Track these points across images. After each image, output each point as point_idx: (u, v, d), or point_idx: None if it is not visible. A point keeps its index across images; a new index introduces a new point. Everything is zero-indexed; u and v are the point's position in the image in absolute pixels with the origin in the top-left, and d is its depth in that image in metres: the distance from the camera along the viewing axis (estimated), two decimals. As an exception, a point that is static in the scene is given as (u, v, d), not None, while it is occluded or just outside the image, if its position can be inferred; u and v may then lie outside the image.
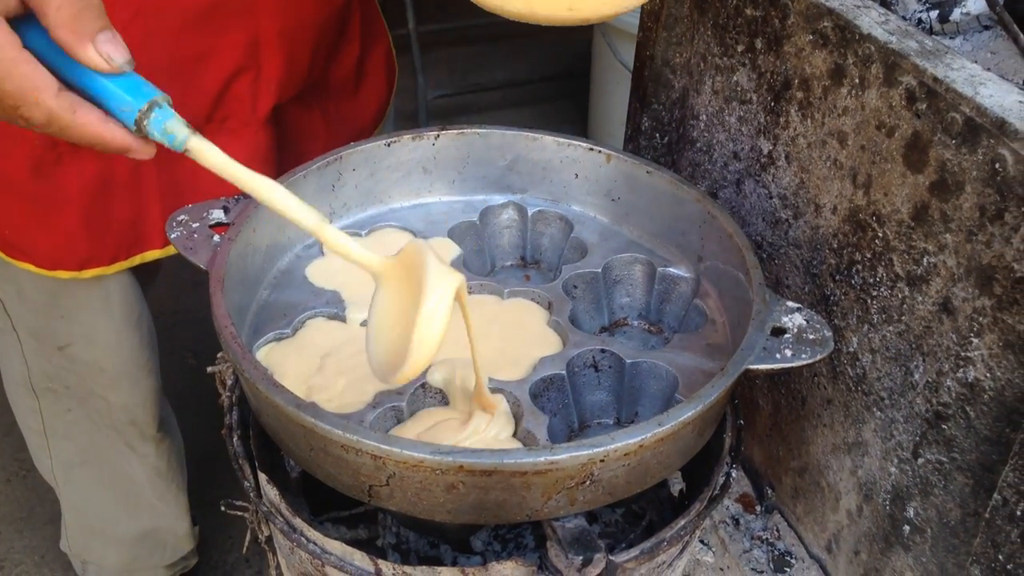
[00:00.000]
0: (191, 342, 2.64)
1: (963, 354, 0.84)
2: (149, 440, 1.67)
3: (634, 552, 0.86)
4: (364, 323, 0.98)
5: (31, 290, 1.41)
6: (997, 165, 0.77)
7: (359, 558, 0.85)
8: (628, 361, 0.96)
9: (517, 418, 0.90)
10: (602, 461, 0.77)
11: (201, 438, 2.24)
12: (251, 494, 0.93)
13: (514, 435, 0.88)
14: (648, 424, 0.78)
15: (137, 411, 1.61)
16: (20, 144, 1.21)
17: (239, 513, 1.05)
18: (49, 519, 2.19)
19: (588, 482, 0.78)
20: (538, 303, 1.03)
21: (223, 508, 1.07)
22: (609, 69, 2.87)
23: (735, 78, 1.10)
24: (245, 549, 1.07)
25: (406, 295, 0.79)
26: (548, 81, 3.66)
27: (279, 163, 1.39)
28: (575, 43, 3.54)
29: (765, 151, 1.07)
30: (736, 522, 1.18)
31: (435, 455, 0.74)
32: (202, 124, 1.29)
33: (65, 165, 1.25)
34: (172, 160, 1.31)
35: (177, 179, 1.33)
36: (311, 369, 0.93)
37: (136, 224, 1.34)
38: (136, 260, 1.38)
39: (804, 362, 0.86)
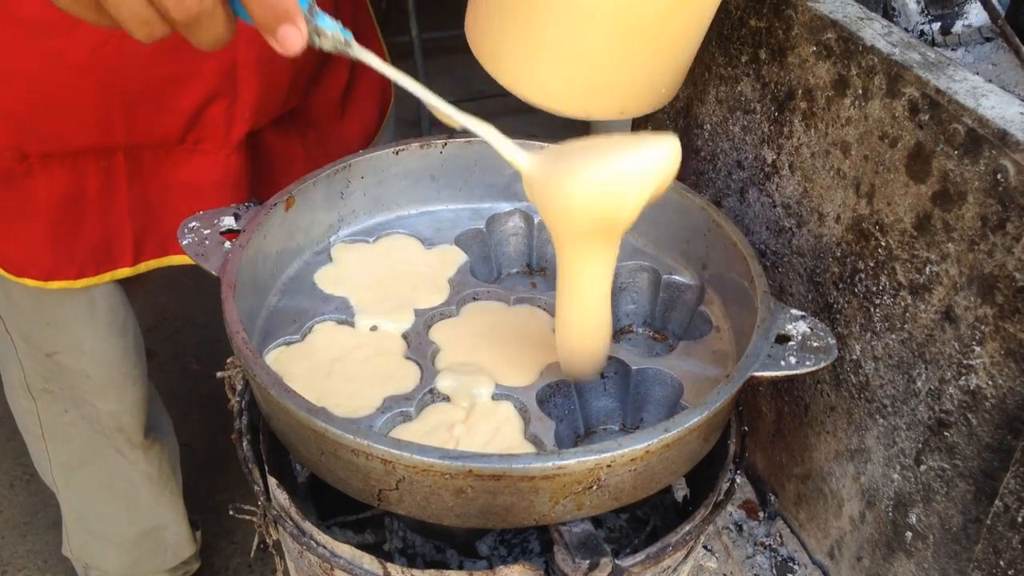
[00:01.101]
0: (194, 348, 2.65)
1: (965, 362, 0.85)
2: (137, 447, 1.67)
3: (640, 556, 0.87)
4: (372, 328, 1.00)
5: (18, 296, 1.42)
6: (999, 176, 0.78)
7: (368, 562, 0.86)
8: (634, 368, 0.97)
9: (524, 423, 0.91)
10: (609, 466, 0.78)
11: (204, 443, 2.25)
12: (260, 498, 0.94)
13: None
14: (654, 430, 0.79)
15: (124, 418, 1.61)
16: None
17: (247, 517, 1.06)
18: (52, 524, 2.20)
19: (595, 487, 0.79)
20: (545, 310, 1.04)
21: (231, 512, 1.07)
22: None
23: (739, 88, 1.11)
24: (252, 553, 1.08)
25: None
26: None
27: (253, 188, 1.39)
28: (577, 51, 3.54)
29: (769, 160, 1.08)
30: (739, 528, 1.18)
31: (445, 459, 0.75)
32: (174, 145, 1.30)
33: (35, 177, 1.26)
34: (143, 177, 1.31)
35: (148, 197, 1.34)
36: (320, 374, 0.94)
37: (106, 241, 1.35)
38: (106, 277, 1.38)
39: (808, 369, 0.87)
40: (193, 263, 1.40)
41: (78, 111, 1.22)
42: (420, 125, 3.53)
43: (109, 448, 1.66)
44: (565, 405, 0.95)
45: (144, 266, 1.40)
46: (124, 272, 1.39)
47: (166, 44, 1.18)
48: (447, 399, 0.93)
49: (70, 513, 1.82)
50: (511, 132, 1.16)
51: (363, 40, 1.50)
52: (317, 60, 1.40)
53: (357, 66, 1.48)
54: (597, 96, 0.98)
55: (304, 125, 1.45)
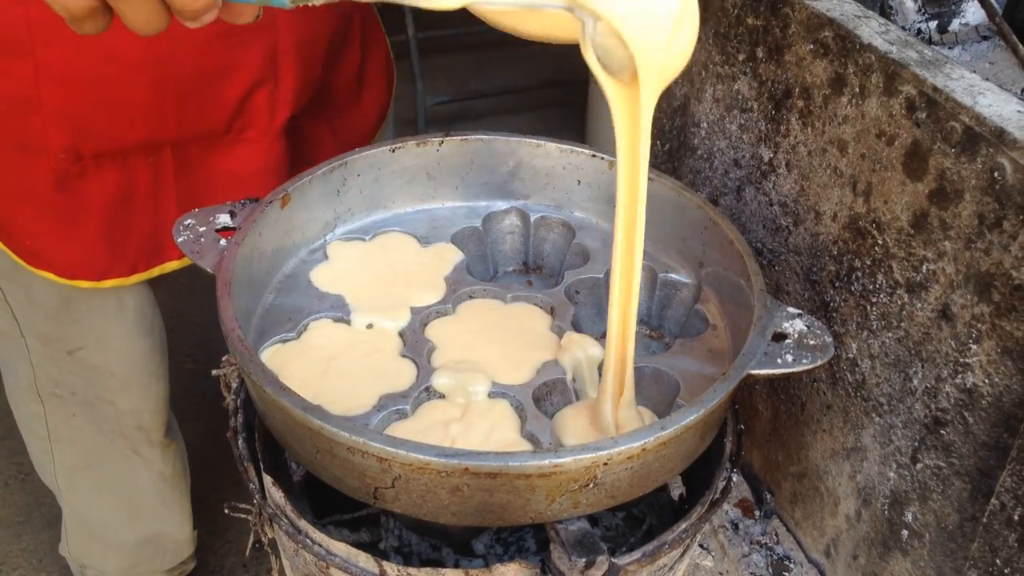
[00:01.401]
0: (189, 347, 2.64)
1: (962, 360, 0.85)
2: (156, 445, 1.67)
3: (636, 555, 0.87)
4: (368, 326, 1.00)
5: (43, 295, 1.41)
6: (996, 174, 0.78)
7: (364, 560, 0.86)
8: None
9: (521, 421, 0.90)
10: (606, 464, 0.78)
11: (199, 443, 2.24)
12: (256, 496, 0.94)
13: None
14: (651, 428, 0.79)
15: (145, 416, 1.61)
16: (44, 157, 1.22)
17: (242, 516, 1.06)
18: (47, 523, 2.19)
19: (592, 485, 0.79)
20: (541, 308, 1.04)
21: (226, 511, 1.07)
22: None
23: (736, 86, 1.11)
24: (247, 551, 1.08)
25: None
26: (547, 87, 3.67)
27: (291, 171, 1.40)
28: (574, 50, 3.55)
29: (766, 159, 1.08)
30: (735, 527, 1.18)
31: (441, 457, 0.75)
32: (221, 135, 1.31)
33: (88, 179, 1.26)
34: (189, 169, 1.32)
35: (193, 188, 1.35)
36: (316, 372, 0.94)
37: (156, 235, 1.35)
38: (155, 271, 1.39)
39: (805, 367, 0.87)
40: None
41: (132, 107, 1.22)
42: (416, 124, 3.53)
43: (122, 450, 1.66)
44: (561, 403, 0.95)
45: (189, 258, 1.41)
46: (172, 265, 1.39)
47: (215, 32, 1.20)
48: (443, 397, 0.93)
49: (71, 515, 1.81)
50: (508, 130, 1.16)
51: (368, 38, 1.51)
52: (339, 37, 1.41)
53: (366, 43, 1.50)
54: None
55: (329, 108, 1.46)
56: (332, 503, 1.03)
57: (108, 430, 1.62)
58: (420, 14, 3.32)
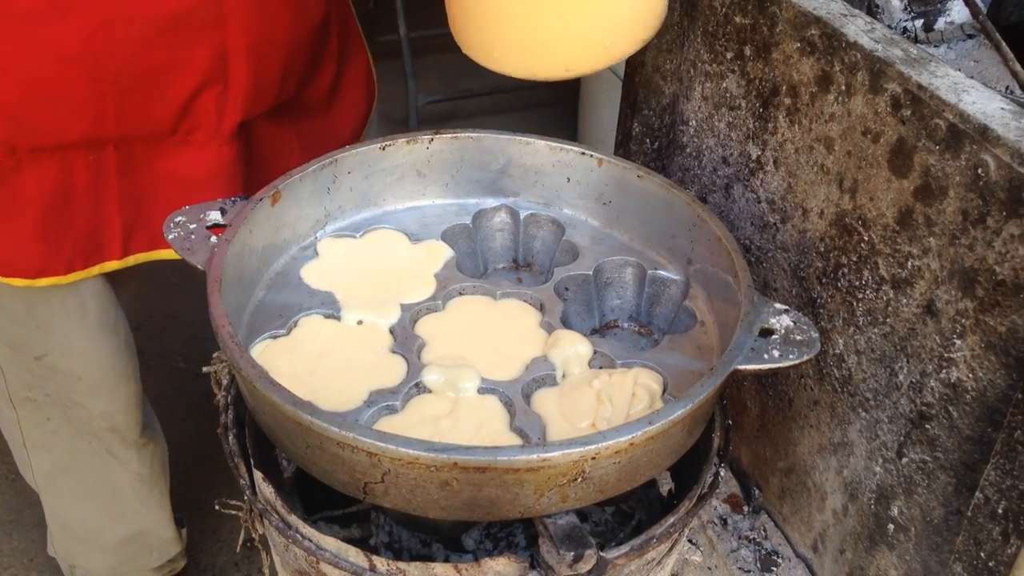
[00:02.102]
0: (180, 345, 2.64)
1: (946, 355, 0.86)
2: (131, 446, 1.66)
3: (624, 548, 0.87)
4: (359, 322, 1.00)
5: (7, 300, 1.40)
6: (980, 170, 0.79)
7: (354, 555, 0.86)
8: (619, 362, 0.97)
9: (510, 417, 0.91)
10: (593, 458, 0.78)
11: (190, 441, 2.24)
12: (246, 492, 0.94)
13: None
14: (639, 422, 0.79)
15: (117, 417, 1.60)
16: None
17: (233, 512, 1.06)
18: (38, 522, 2.18)
19: (580, 479, 0.80)
20: (530, 304, 1.05)
21: (217, 507, 1.08)
22: (598, 75, 2.89)
23: (724, 84, 1.12)
24: (239, 548, 1.08)
25: None
26: (538, 87, 3.65)
27: (247, 180, 1.38)
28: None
29: (754, 156, 1.09)
30: (724, 522, 1.19)
31: (430, 452, 0.75)
32: (166, 136, 1.29)
33: (24, 173, 1.24)
34: (133, 169, 1.30)
35: (138, 190, 1.32)
36: (306, 368, 0.94)
37: (95, 234, 1.33)
38: (95, 271, 1.36)
39: (791, 363, 0.88)
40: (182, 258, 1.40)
41: (69, 103, 1.21)
42: (408, 123, 3.53)
43: (98, 452, 1.65)
44: (550, 399, 0.96)
45: (133, 259, 1.39)
46: (112, 265, 1.37)
47: (158, 30, 1.19)
48: (433, 393, 0.93)
49: (53, 517, 1.81)
50: (499, 129, 1.17)
51: (347, 51, 1.50)
52: (311, 50, 1.40)
53: (345, 57, 1.48)
54: (539, 55, 0.99)
55: (298, 117, 1.45)
56: (322, 499, 1.04)
57: (84, 432, 1.61)
58: (411, 13, 3.32)
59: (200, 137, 1.30)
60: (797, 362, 0.88)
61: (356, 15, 1.55)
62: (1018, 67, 0.92)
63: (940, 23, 1.06)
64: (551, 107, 3.65)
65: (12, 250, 1.31)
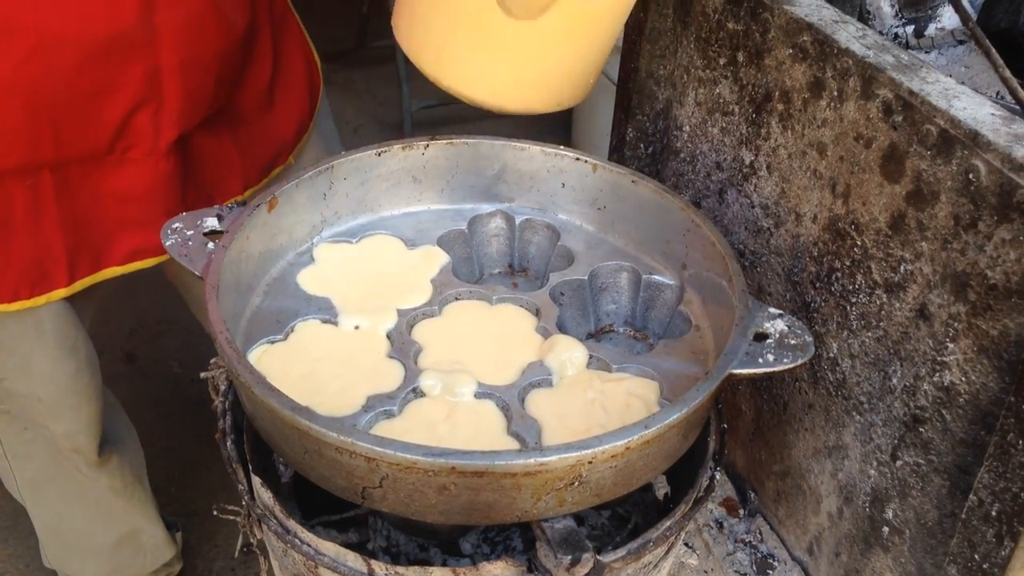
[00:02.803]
0: (176, 351, 2.64)
1: (939, 359, 0.87)
2: (93, 465, 1.65)
3: (621, 552, 0.88)
4: (356, 328, 1.01)
5: None
6: (971, 175, 0.79)
7: (352, 559, 0.87)
8: (615, 367, 0.98)
9: (507, 421, 0.92)
10: (590, 463, 0.79)
11: (186, 446, 2.25)
12: (245, 497, 0.95)
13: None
14: (635, 427, 0.80)
15: (80, 438, 1.59)
16: None
17: (231, 518, 1.06)
18: (33, 529, 2.19)
19: (577, 483, 0.80)
20: (526, 309, 1.05)
21: (215, 512, 1.08)
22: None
23: (718, 90, 1.13)
24: (237, 553, 1.09)
25: None
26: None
27: (186, 190, 1.38)
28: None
29: (747, 161, 1.09)
30: (720, 525, 1.20)
31: (428, 456, 0.76)
32: (103, 155, 1.28)
33: None
34: (71, 191, 1.29)
35: (77, 211, 1.31)
36: (303, 373, 0.95)
37: (39, 262, 1.32)
38: (42, 300, 1.35)
39: (786, 367, 0.88)
40: (129, 271, 1.36)
41: (5, 130, 1.19)
42: (402, 128, 3.53)
43: (68, 467, 1.64)
44: (547, 403, 0.96)
45: (79, 284, 1.38)
46: (60, 293, 1.36)
47: (91, 54, 1.18)
48: (430, 397, 0.94)
49: (43, 528, 1.80)
50: (493, 134, 1.17)
51: (284, 49, 1.48)
52: (241, 55, 1.39)
53: (281, 54, 1.46)
54: (534, 91, 1.03)
55: (234, 123, 1.44)
56: (320, 504, 1.04)
57: (53, 451, 1.60)
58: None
59: (137, 154, 1.30)
60: (792, 366, 0.89)
61: (294, 9, 1.54)
62: (1008, 73, 0.93)
63: (931, 29, 1.06)
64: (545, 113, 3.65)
65: None
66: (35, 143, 1.22)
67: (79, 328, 1.50)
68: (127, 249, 1.38)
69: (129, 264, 1.40)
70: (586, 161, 1.13)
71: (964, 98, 0.83)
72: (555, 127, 3.46)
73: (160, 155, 1.31)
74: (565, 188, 1.16)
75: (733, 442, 1.23)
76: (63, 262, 1.34)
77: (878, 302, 0.93)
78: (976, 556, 0.86)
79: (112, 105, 1.24)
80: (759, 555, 1.16)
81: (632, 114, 1.31)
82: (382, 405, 0.91)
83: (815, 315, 1.02)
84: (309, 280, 1.06)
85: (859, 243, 0.94)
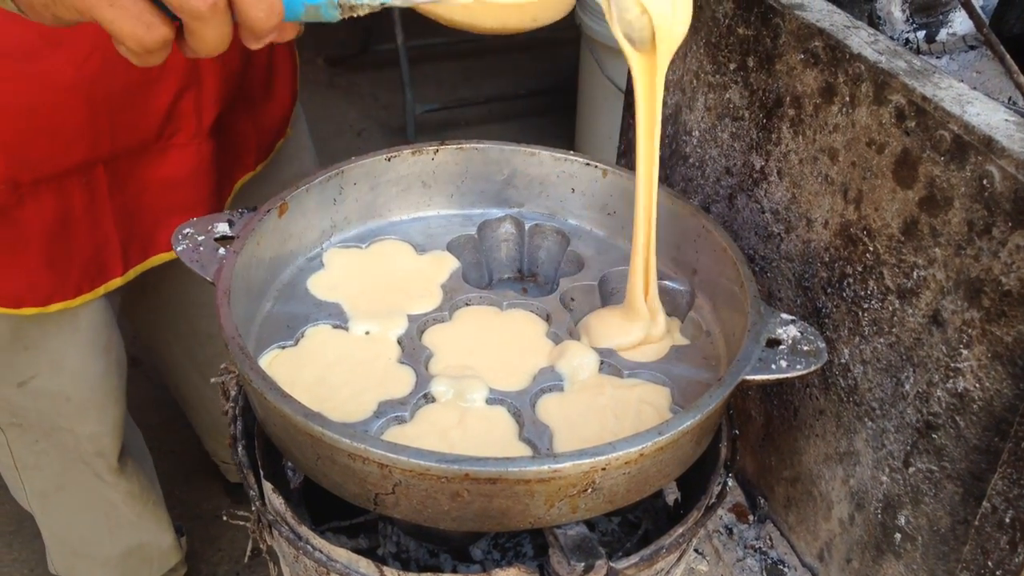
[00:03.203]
0: (180, 355, 2.64)
1: (953, 365, 0.86)
2: (114, 470, 1.66)
3: (634, 559, 0.88)
4: (366, 333, 1.01)
5: None
6: (985, 181, 0.79)
7: (364, 565, 0.87)
8: (626, 372, 0.98)
9: (519, 427, 0.91)
10: (604, 469, 0.79)
11: (190, 450, 2.24)
12: (255, 503, 0.94)
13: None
14: (649, 433, 0.80)
15: (104, 441, 1.60)
16: None
17: (240, 523, 1.06)
18: (38, 533, 2.16)
19: (590, 490, 0.80)
20: (537, 314, 1.05)
21: (224, 518, 1.08)
22: (596, 84, 2.90)
23: (727, 95, 1.13)
24: (247, 558, 1.08)
25: None
26: (535, 96, 3.69)
27: (219, 172, 1.42)
28: (562, 58, 3.57)
29: (757, 167, 1.09)
30: (730, 531, 1.19)
31: (441, 463, 0.76)
32: (152, 142, 1.32)
33: (26, 207, 1.26)
34: (123, 184, 1.32)
35: (128, 202, 1.35)
36: (314, 379, 0.95)
37: (97, 256, 1.35)
38: (100, 291, 1.38)
39: (799, 373, 0.88)
40: (173, 258, 1.39)
41: (68, 130, 1.22)
42: (405, 132, 3.54)
43: (87, 473, 1.64)
44: (558, 409, 0.96)
45: (132, 272, 1.41)
46: (116, 282, 1.39)
47: None
48: (441, 403, 0.94)
49: (51, 536, 1.80)
50: (494, 138, 1.17)
51: (273, 44, 1.51)
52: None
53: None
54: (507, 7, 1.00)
55: (248, 100, 1.48)
56: (330, 509, 1.04)
57: (70, 457, 1.60)
58: (409, 23, 3.33)
59: (182, 139, 1.34)
60: (804, 372, 0.89)
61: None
62: (1022, 79, 0.93)
63: (942, 34, 1.06)
64: (548, 116, 3.66)
65: (22, 283, 1.32)
66: (95, 138, 1.26)
67: (113, 328, 1.52)
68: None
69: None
70: (596, 166, 1.13)
71: (978, 103, 0.83)
72: (559, 132, 3.47)
73: (203, 137, 1.35)
74: (575, 193, 1.15)
75: (743, 447, 1.22)
76: (118, 252, 1.37)
77: (890, 308, 0.93)
78: (989, 563, 0.86)
79: (159, 93, 1.28)
80: (769, 561, 1.16)
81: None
82: (393, 411, 0.91)
83: (826, 321, 1.02)
84: (319, 285, 1.06)
85: (871, 249, 0.94)
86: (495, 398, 0.94)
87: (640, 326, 1.01)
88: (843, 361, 1.01)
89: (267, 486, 0.94)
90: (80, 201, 1.30)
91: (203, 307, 1.80)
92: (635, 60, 0.92)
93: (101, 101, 1.23)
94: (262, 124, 1.53)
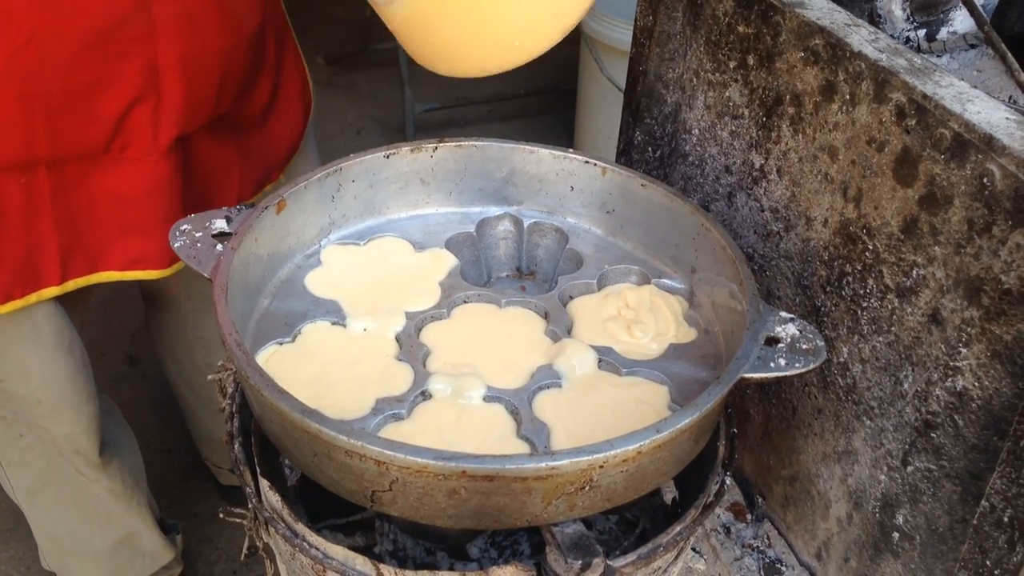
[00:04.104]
0: (178, 353, 2.64)
1: (952, 364, 0.86)
2: (95, 467, 1.65)
3: (631, 557, 0.87)
4: (364, 330, 1.00)
5: None
6: (985, 180, 0.79)
7: (361, 563, 0.86)
8: (624, 370, 0.98)
9: (516, 425, 0.91)
10: (601, 467, 0.79)
11: (186, 448, 2.24)
12: (252, 501, 0.94)
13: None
14: (647, 431, 0.79)
15: (81, 439, 1.58)
16: None
17: (237, 520, 1.06)
18: (34, 531, 2.19)
19: (588, 488, 0.80)
20: (535, 312, 1.05)
21: (221, 515, 1.07)
22: (596, 84, 2.90)
23: (727, 93, 1.12)
24: (243, 556, 1.08)
25: None
26: (535, 95, 3.68)
27: (188, 195, 1.36)
28: (561, 58, 3.56)
29: (757, 165, 1.09)
30: (727, 530, 1.19)
31: (438, 460, 0.75)
32: (100, 153, 1.26)
33: None
34: (67, 190, 1.27)
35: (73, 212, 1.30)
36: (312, 376, 0.94)
37: (31, 261, 1.30)
38: (32, 299, 1.34)
39: (798, 371, 0.88)
40: (129, 279, 1.35)
41: None
42: (405, 131, 3.53)
43: (69, 470, 1.64)
44: (556, 407, 0.96)
45: (72, 284, 1.36)
46: (51, 291, 1.34)
47: (87, 45, 1.16)
48: (439, 401, 0.93)
49: (41, 532, 1.79)
50: (497, 137, 1.17)
51: (284, 64, 1.48)
52: (250, 57, 1.38)
53: (281, 70, 1.46)
54: (458, 58, 1.02)
55: (237, 131, 1.43)
56: (326, 507, 1.03)
57: (52, 454, 1.60)
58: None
59: (134, 153, 1.27)
60: (803, 371, 0.88)
61: (291, 26, 1.54)
62: (1023, 77, 0.93)
63: (943, 33, 1.06)
64: (548, 115, 3.66)
65: None
66: (29, 138, 1.20)
67: (73, 331, 1.50)
68: (128, 256, 1.37)
69: (129, 271, 1.38)
70: (595, 164, 1.13)
71: (978, 102, 0.83)
72: (558, 131, 3.46)
73: (159, 155, 1.28)
74: (574, 191, 1.15)
75: (741, 446, 1.22)
76: (55, 260, 1.32)
77: (890, 307, 0.93)
78: (988, 562, 0.86)
79: (108, 100, 1.22)
80: (767, 560, 1.15)
81: (640, 117, 1.30)
82: (391, 408, 0.91)
83: (825, 319, 1.02)
84: (317, 282, 1.05)
85: (871, 247, 0.94)
86: (493, 395, 0.93)
87: None
88: (842, 360, 1.00)
89: (264, 483, 0.94)
90: (16, 201, 1.25)
91: (201, 340, 1.79)
92: None
93: (36, 99, 1.17)
94: (250, 158, 1.47)
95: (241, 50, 1.35)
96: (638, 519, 1.10)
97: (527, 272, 1.17)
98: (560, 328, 1.02)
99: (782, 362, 0.88)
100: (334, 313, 1.02)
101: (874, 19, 1.09)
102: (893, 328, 0.93)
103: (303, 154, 1.63)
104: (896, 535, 0.97)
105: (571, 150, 1.15)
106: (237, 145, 1.44)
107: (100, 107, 1.22)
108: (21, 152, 1.21)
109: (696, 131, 1.21)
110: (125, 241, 1.35)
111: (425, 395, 0.93)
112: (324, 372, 0.95)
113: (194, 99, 1.29)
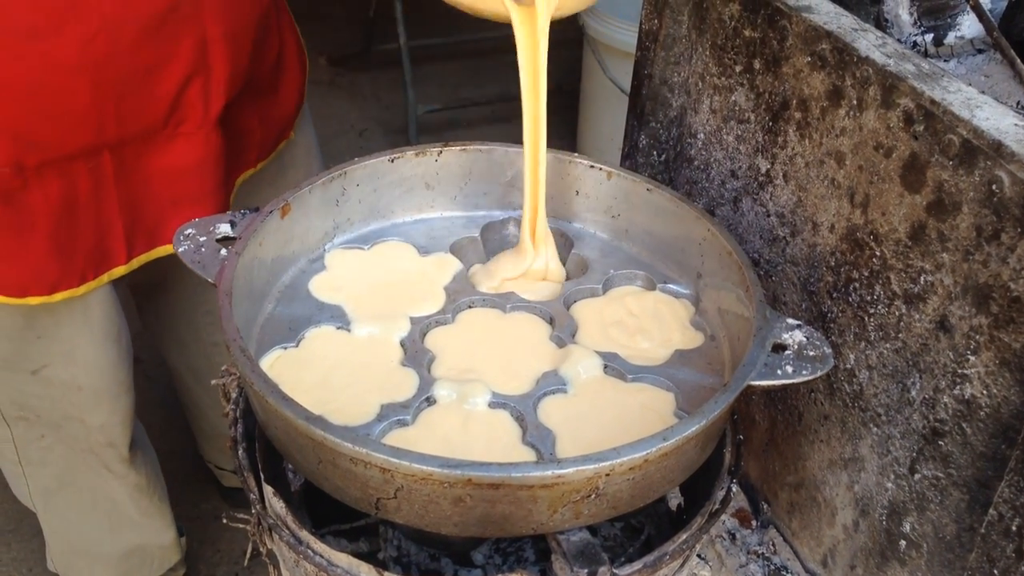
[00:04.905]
0: (180, 354, 2.63)
1: (960, 371, 0.86)
2: (124, 461, 1.65)
3: (637, 565, 0.87)
4: (368, 335, 1.00)
5: (2, 317, 1.39)
6: (994, 186, 0.79)
7: (365, 570, 0.86)
8: (629, 376, 0.97)
9: (521, 431, 0.91)
10: (607, 475, 0.78)
11: (189, 450, 2.24)
12: (255, 506, 0.94)
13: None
14: (653, 439, 0.79)
15: (115, 431, 1.59)
16: None
17: (240, 525, 1.05)
18: (36, 531, 2.17)
19: (593, 495, 0.79)
20: (540, 318, 1.05)
21: (224, 520, 1.07)
22: (599, 86, 2.89)
23: (733, 98, 1.12)
24: (247, 561, 1.07)
25: None
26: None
27: (227, 163, 1.42)
28: (565, 59, 3.56)
29: (763, 170, 1.08)
30: (732, 537, 1.19)
31: (444, 468, 0.75)
32: (159, 131, 1.32)
33: (31, 191, 1.25)
34: (128, 171, 1.32)
35: (133, 190, 1.34)
36: (316, 382, 0.94)
37: (101, 242, 1.35)
38: (104, 279, 1.38)
39: (805, 378, 0.88)
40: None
41: (73, 113, 1.22)
42: (407, 132, 3.53)
43: (95, 467, 1.64)
44: (561, 413, 0.95)
45: (136, 261, 1.40)
46: (119, 271, 1.38)
47: (148, 29, 1.22)
48: (444, 407, 0.93)
49: (52, 533, 1.79)
50: (496, 138, 1.17)
51: (283, 24, 1.52)
52: (262, 26, 1.43)
53: (282, 32, 1.51)
54: None
55: (254, 94, 1.47)
56: (330, 512, 1.03)
57: (79, 449, 1.60)
58: (411, 22, 3.32)
59: (189, 128, 1.34)
60: (811, 378, 0.88)
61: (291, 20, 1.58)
62: (1030, 83, 0.92)
63: (950, 38, 1.06)
64: (550, 116, 3.64)
65: (28, 269, 1.31)
66: (101, 122, 1.25)
67: (122, 318, 1.52)
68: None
69: None
70: (601, 168, 1.13)
71: (987, 108, 0.82)
72: (561, 132, 3.46)
73: (211, 127, 1.35)
74: (579, 195, 1.15)
75: (746, 452, 1.21)
76: (122, 240, 1.37)
77: (897, 313, 0.92)
78: (995, 571, 0.85)
79: (166, 79, 1.28)
80: (772, 567, 1.15)
81: (645, 121, 1.30)
82: (396, 414, 0.90)
83: (831, 325, 1.01)
84: (321, 287, 1.05)
85: (878, 253, 0.93)
86: (498, 401, 0.93)
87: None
88: (849, 366, 1.00)
89: (267, 489, 0.93)
90: (85, 187, 1.29)
91: (209, 315, 1.80)
92: (516, 14, 0.99)
93: (107, 84, 1.23)
94: (267, 119, 1.53)
95: (264, 19, 1.42)
96: (643, 525, 1.10)
97: (532, 277, 1.17)
98: (565, 333, 1.02)
99: (789, 369, 0.88)
100: (338, 318, 1.01)
101: (881, 23, 1.08)
102: (900, 335, 0.92)
103: (306, 112, 1.67)
104: (903, 543, 0.96)
105: (577, 154, 1.14)
106: (255, 107, 1.49)
107: (159, 86, 1.28)
108: (93, 137, 1.26)
109: (702, 135, 1.20)
110: (178, 213, 1.40)
111: (430, 401, 0.93)
112: (328, 377, 0.94)
113: (235, 70, 1.36)
